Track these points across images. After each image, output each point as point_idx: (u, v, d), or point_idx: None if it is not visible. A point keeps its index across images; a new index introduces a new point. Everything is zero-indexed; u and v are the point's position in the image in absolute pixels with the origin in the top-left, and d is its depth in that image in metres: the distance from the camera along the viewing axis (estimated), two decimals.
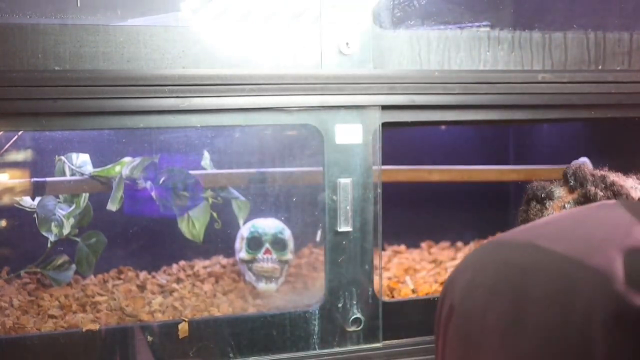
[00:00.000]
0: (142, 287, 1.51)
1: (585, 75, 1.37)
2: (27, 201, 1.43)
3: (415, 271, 1.68)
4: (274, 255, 1.52)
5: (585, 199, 1.00)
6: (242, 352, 1.25)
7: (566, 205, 1.01)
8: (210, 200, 1.53)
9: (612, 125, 1.66)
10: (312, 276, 1.50)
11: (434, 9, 1.39)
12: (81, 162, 1.44)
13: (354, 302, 1.29)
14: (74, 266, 1.47)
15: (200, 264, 1.64)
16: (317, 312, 1.27)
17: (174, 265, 1.63)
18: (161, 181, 1.43)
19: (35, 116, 1.12)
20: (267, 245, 1.53)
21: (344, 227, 1.26)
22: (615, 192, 0.99)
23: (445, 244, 1.90)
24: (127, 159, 1.43)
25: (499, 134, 2.01)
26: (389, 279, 1.59)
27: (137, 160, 1.43)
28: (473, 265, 0.87)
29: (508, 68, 1.34)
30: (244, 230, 1.57)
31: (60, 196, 1.46)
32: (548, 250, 0.80)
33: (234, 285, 1.54)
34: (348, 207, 1.26)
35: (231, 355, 1.24)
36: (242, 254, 1.54)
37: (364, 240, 1.28)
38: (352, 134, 1.26)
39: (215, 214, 1.56)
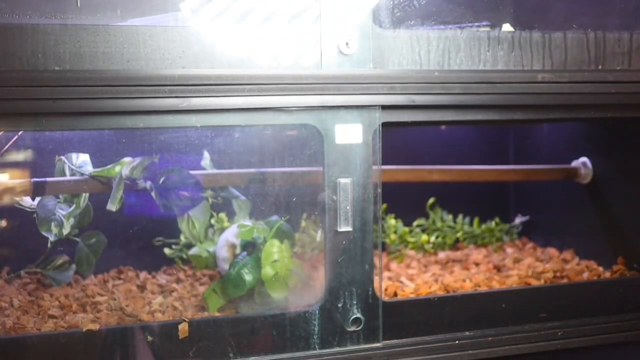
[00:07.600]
0: (142, 287, 1.51)
1: (585, 75, 1.37)
2: (27, 201, 1.43)
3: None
4: None
5: None
6: (242, 352, 1.25)
7: None
8: (210, 200, 1.53)
9: (612, 125, 1.66)
10: (313, 276, 1.50)
11: (434, 9, 1.39)
12: (81, 162, 1.44)
13: (354, 302, 1.29)
14: (74, 266, 1.47)
15: None
16: (317, 312, 1.27)
17: (174, 265, 1.63)
18: (161, 181, 1.43)
19: (35, 116, 1.12)
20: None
21: (344, 227, 1.27)
22: None
23: None
24: (127, 159, 1.43)
25: (499, 134, 2.01)
26: (389, 279, 1.59)
27: (137, 160, 1.42)
28: None
29: (508, 68, 1.34)
30: (230, 237, 1.48)
31: (60, 196, 1.46)
32: None
33: None
34: (348, 207, 1.26)
35: (231, 355, 1.24)
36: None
37: (364, 240, 1.28)
38: (352, 134, 1.26)
39: (215, 214, 1.56)
